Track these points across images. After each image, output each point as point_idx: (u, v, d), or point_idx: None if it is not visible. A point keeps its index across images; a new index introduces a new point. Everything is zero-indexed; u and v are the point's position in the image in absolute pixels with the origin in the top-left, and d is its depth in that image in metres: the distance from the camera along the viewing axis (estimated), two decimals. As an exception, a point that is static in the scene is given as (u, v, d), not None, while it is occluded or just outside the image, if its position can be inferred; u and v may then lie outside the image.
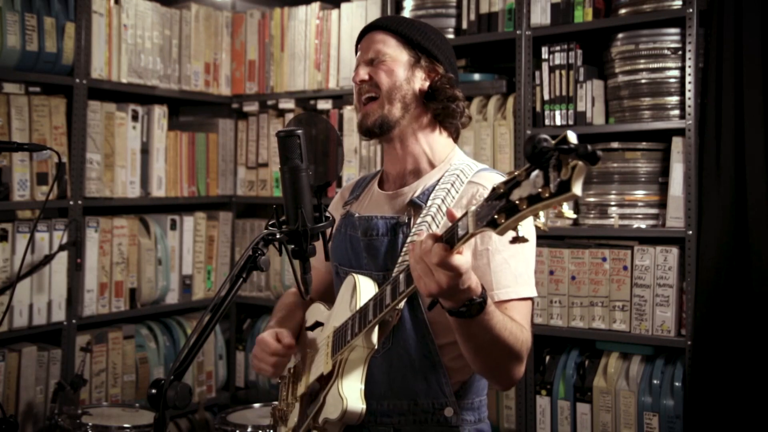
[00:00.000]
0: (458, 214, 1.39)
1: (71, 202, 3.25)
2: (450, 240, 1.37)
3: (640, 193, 2.97)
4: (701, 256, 2.80)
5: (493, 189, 1.26)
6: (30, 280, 3.11)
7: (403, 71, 1.79)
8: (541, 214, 1.19)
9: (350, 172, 3.61)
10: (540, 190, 1.14)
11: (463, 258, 1.37)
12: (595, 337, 3.03)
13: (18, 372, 3.09)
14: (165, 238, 3.68)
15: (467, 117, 1.86)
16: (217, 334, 3.94)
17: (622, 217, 2.98)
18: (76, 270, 3.26)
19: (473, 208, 1.32)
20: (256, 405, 3.22)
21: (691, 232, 2.83)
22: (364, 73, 1.81)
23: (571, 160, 1.10)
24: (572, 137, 1.10)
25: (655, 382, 2.89)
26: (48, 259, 3.14)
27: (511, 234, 1.24)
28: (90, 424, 2.83)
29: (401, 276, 1.54)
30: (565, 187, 1.11)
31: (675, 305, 2.88)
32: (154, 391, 1.42)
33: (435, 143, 1.84)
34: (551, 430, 3.06)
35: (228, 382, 4.04)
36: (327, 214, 1.72)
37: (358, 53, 1.87)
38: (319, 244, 2.04)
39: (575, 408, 3.02)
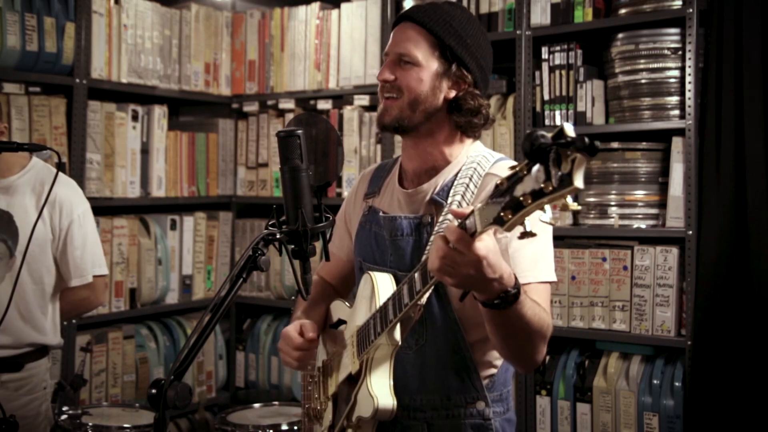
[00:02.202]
0: (465, 211, 1.39)
1: (71, 202, 3.25)
2: None
3: (640, 193, 2.97)
4: (701, 256, 2.80)
5: (497, 186, 1.27)
6: (30, 280, 3.11)
7: (429, 81, 1.75)
8: (547, 207, 1.19)
9: (350, 172, 3.61)
10: (542, 185, 1.15)
11: (482, 244, 1.37)
12: (595, 337, 3.03)
13: (18, 372, 3.09)
14: (165, 238, 3.68)
15: (491, 122, 1.83)
16: (217, 334, 3.94)
17: (622, 217, 2.98)
18: (76, 270, 3.26)
19: (479, 205, 1.32)
20: (256, 405, 3.21)
21: (691, 232, 2.83)
22: (388, 74, 1.77)
23: (570, 153, 1.11)
24: (569, 130, 1.12)
25: (655, 382, 2.89)
26: (48, 259, 3.14)
27: (519, 229, 1.25)
28: (90, 424, 2.83)
29: (416, 275, 1.55)
30: (566, 180, 1.12)
31: (675, 305, 2.88)
32: (154, 391, 1.42)
33: (453, 143, 1.82)
34: (551, 430, 3.06)
35: (228, 382, 4.04)
36: (327, 214, 1.72)
37: (390, 42, 1.81)
38: (339, 232, 2.04)
39: (575, 408, 3.02)
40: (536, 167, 1.17)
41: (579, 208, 1.17)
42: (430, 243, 1.73)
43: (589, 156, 1.09)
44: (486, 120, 1.81)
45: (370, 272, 1.77)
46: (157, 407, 1.42)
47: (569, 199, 1.15)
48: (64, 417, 2.87)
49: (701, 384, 2.77)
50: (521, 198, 1.20)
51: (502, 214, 1.24)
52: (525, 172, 1.20)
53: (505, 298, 1.46)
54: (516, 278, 1.48)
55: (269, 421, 3.00)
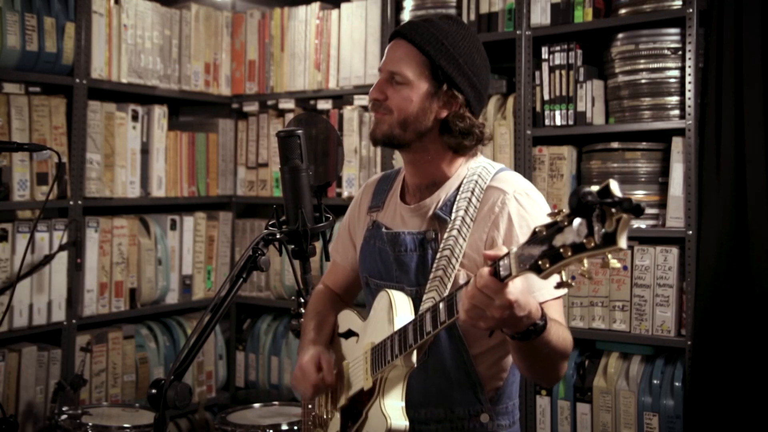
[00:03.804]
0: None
1: (71, 202, 3.25)
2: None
3: (640, 193, 2.97)
4: (701, 256, 2.80)
5: (535, 232, 1.27)
6: (30, 280, 3.11)
7: (419, 101, 1.73)
8: (585, 261, 1.19)
9: (350, 172, 3.61)
10: (584, 240, 1.16)
11: (513, 287, 1.37)
12: (595, 337, 3.03)
13: (18, 372, 3.09)
14: (165, 238, 3.68)
15: (487, 139, 1.80)
16: (217, 334, 3.94)
17: (622, 217, 2.98)
18: (76, 270, 3.26)
19: (515, 249, 1.32)
20: (256, 405, 3.22)
21: (691, 232, 2.83)
22: (378, 93, 1.76)
23: (615, 212, 1.11)
24: (615, 188, 1.12)
25: (655, 382, 2.89)
26: (48, 259, 3.14)
27: (555, 278, 1.25)
28: (90, 424, 2.83)
29: (441, 305, 1.54)
30: (610, 239, 1.12)
31: (675, 305, 2.88)
32: (154, 391, 1.43)
33: (450, 160, 1.80)
34: (551, 430, 3.06)
35: (228, 382, 4.04)
36: (327, 215, 1.73)
37: (383, 59, 1.80)
38: (344, 242, 2.03)
39: (575, 408, 3.02)
40: (578, 221, 1.17)
41: (619, 266, 1.17)
42: (435, 260, 1.72)
43: (635, 217, 1.10)
44: (479, 140, 1.78)
45: (388, 290, 1.75)
46: (157, 407, 1.42)
47: (610, 257, 1.16)
48: (64, 417, 2.87)
49: (701, 384, 2.77)
50: (561, 249, 1.20)
51: (540, 262, 1.24)
52: (566, 224, 1.20)
53: (533, 330, 1.46)
54: (543, 309, 1.48)
55: (269, 421, 3.00)
